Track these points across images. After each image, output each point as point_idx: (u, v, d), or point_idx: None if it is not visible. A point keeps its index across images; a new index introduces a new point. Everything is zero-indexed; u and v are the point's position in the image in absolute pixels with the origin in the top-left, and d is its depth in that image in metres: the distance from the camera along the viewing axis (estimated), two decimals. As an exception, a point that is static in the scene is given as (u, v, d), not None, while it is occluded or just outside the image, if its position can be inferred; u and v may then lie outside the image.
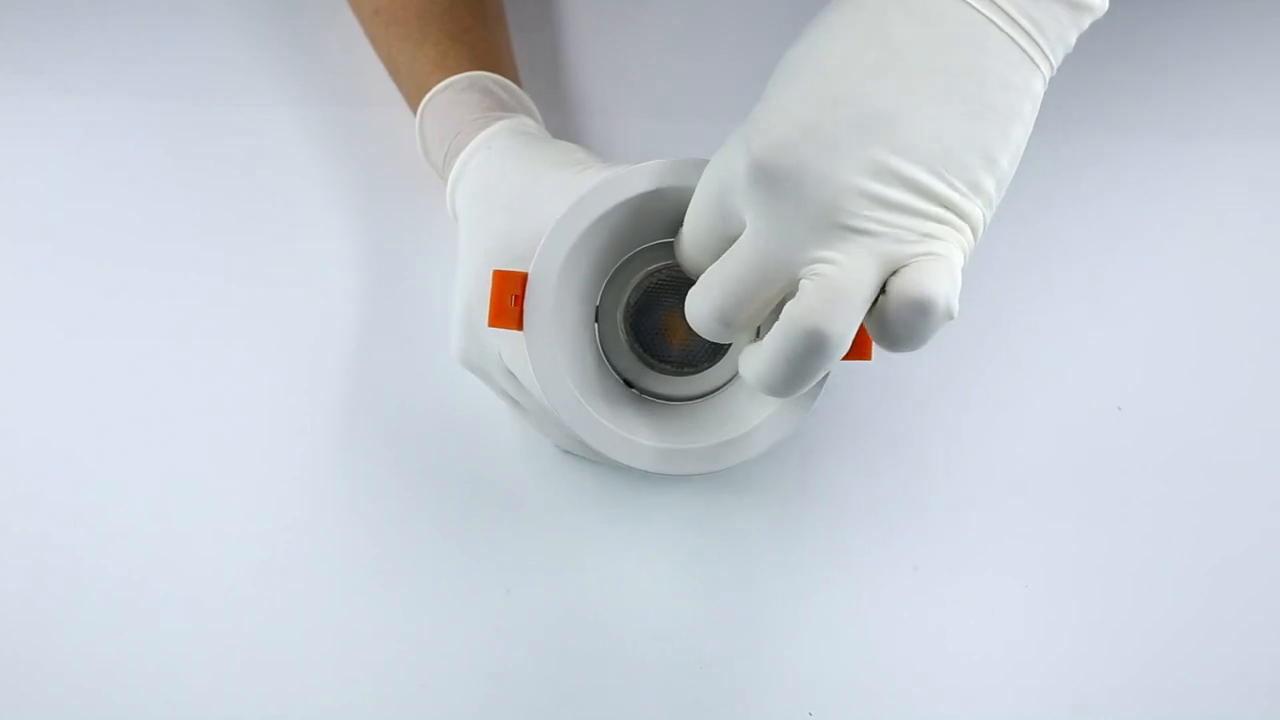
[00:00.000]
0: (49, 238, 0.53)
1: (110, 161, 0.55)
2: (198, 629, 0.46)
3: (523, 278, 0.39)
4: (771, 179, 0.32)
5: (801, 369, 0.33)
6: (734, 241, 0.35)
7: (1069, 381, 0.51)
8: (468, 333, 0.43)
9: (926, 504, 0.48)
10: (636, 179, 0.39)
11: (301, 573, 0.47)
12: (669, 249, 0.41)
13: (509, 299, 0.39)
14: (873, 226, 0.32)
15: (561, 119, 0.56)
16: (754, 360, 0.35)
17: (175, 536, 0.47)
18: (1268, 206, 0.54)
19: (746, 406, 0.41)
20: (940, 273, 0.32)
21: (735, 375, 0.43)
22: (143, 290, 0.52)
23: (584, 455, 0.46)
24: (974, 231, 0.33)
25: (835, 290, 0.32)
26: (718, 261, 0.35)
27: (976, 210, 0.33)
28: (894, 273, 0.32)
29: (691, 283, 0.39)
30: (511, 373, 0.42)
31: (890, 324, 0.32)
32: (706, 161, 0.37)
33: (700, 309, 0.35)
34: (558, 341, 0.39)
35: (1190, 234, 0.54)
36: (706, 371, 0.43)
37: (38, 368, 0.50)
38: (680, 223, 0.38)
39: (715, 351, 0.43)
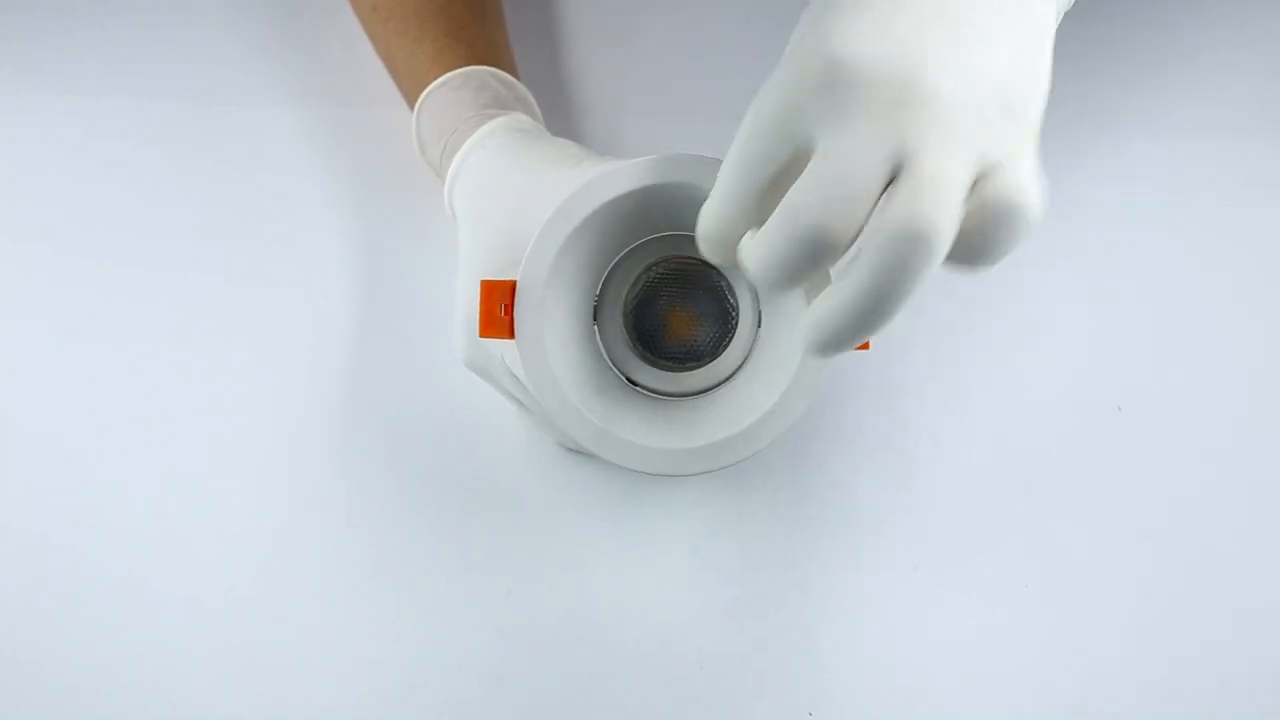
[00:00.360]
0: (49, 238, 0.53)
1: (110, 161, 0.55)
2: (198, 629, 0.46)
3: (511, 286, 0.39)
4: (856, 75, 0.30)
5: (902, 282, 0.29)
6: (783, 188, 0.31)
7: (1069, 381, 0.50)
8: (471, 336, 0.42)
9: (926, 504, 0.48)
10: (619, 179, 0.38)
11: (301, 572, 0.47)
12: (666, 242, 0.41)
13: (498, 308, 0.38)
14: (964, 130, 0.30)
15: (561, 119, 0.56)
16: (837, 292, 0.30)
17: (175, 536, 0.47)
18: (1269, 205, 0.54)
19: (751, 398, 0.41)
20: (1030, 184, 0.31)
21: (738, 368, 0.42)
22: (143, 290, 0.52)
23: (588, 453, 0.46)
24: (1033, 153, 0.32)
25: (933, 187, 0.29)
26: (791, 190, 0.30)
27: (1034, 131, 0.32)
28: (977, 181, 0.30)
29: (691, 275, 0.39)
30: (515, 375, 0.42)
31: (978, 233, 0.30)
32: (688, 156, 0.36)
33: (791, 236, 0.30)
34: (553, 346, 0.39)
35: (1191, 233, 0.54)
36: (709, 365, 0.43)
37: (38, 368, 0.50)
38: (673, 215, 0.38)
39: (717, 345, 0.43)
